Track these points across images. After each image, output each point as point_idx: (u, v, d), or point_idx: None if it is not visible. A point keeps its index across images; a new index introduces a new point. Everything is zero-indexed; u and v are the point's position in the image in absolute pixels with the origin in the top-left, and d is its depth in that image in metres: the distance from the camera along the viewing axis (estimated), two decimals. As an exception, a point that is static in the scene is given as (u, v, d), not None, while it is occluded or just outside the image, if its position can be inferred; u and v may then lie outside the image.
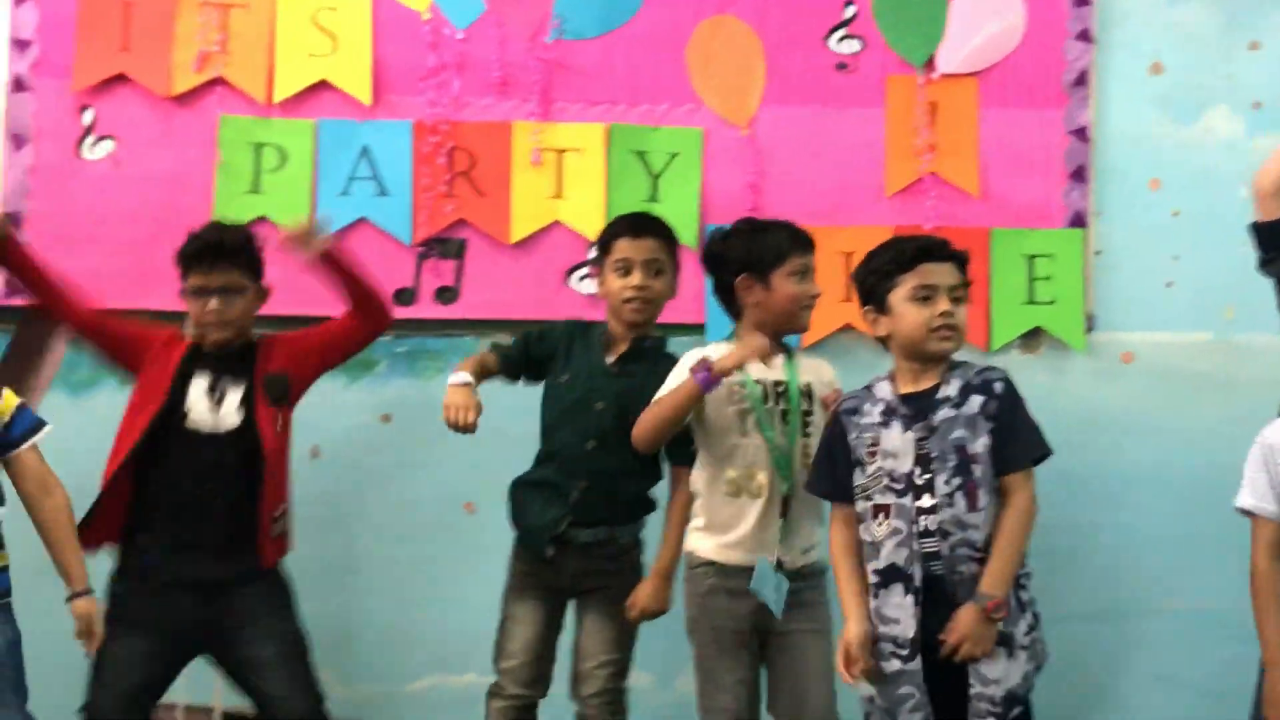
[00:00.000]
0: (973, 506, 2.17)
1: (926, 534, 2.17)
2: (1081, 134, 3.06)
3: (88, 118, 2.98)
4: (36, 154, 2.97)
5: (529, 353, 2.65)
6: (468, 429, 2.46)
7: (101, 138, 2.99)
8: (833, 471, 2.30)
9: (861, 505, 2.25)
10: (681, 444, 2.52)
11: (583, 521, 2.55)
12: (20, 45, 2.97)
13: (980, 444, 2.17)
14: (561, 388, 2.61)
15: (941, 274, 2.25)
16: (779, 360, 2.46)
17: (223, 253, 2.52)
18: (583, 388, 2.61)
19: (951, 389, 2.21)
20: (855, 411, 2.29)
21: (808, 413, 2.45)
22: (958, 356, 2.27)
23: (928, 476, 2.18)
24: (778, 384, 2.45)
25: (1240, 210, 2.89)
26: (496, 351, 2.67)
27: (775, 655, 2.45)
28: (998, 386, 2.21)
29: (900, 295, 2.25)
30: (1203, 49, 3.11)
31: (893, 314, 2.26)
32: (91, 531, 2.38)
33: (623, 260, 2.60)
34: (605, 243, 2.68)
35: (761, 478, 2.40)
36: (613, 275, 2.62)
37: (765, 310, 2.44)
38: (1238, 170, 3.01)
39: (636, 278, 2.59)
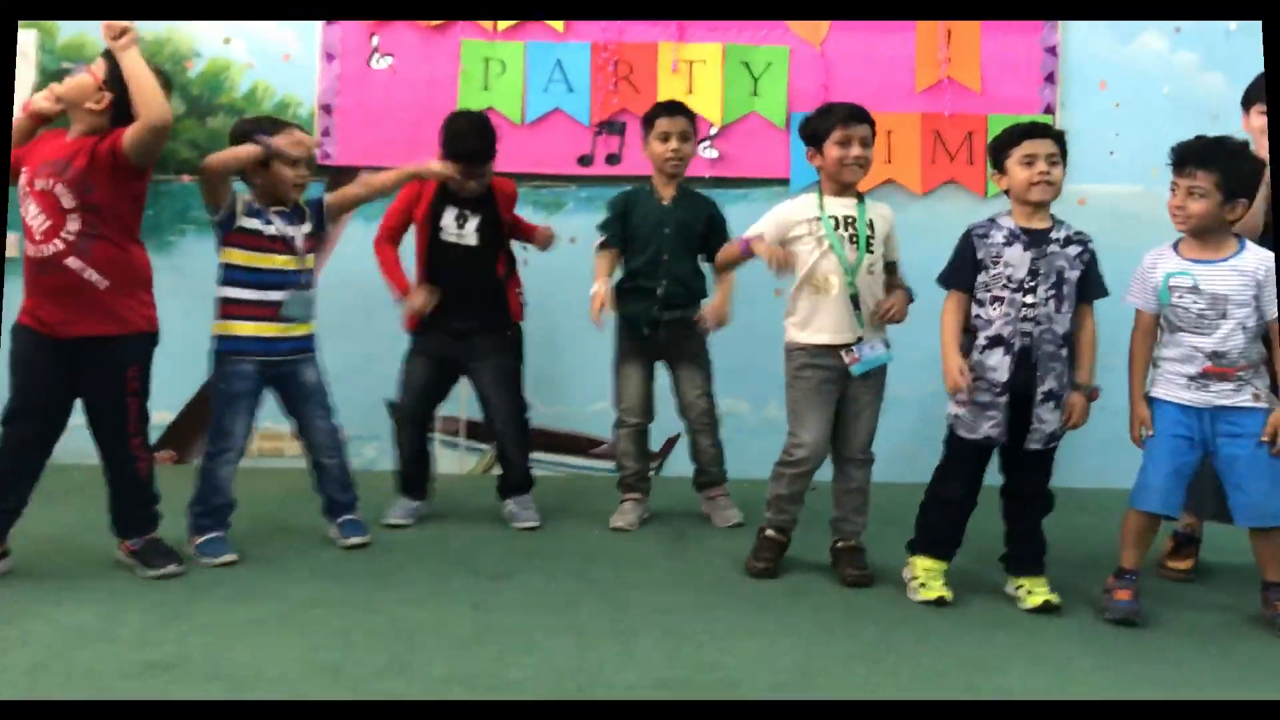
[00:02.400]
0: (1059, 310, 2.84)
1: (1024, 320, 2.84)
2: (1052, 50, 4.19)
3: (375, 42, 4.21)
4: (342, 66, 4.23)
5: (623, 225, 3.53)
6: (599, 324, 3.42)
7: (384, 55, 4.22)
8: (961, 270, 2.93)
9: (982, 295, 2.89)
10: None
11: (666, 307, 3.50)
12: (330, -8, 4.22)
13: (1073, 274, 2.85)
14: (637, 226, 3.50)
15: (1041, 146, 2.86)
16: (852, 201, 3.06)
17: (484, 154, 3.45)
18: (653, 222, 3.50)
19: (1059, 234, 2.88)
20: (985, 235, 2.90)
21: (870, 238, 3.05)
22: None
23: (1033, 284, 2.83)
24: (847, 218, 3.04)
25: (1161, 103, 4.03)
26: (609, 245, 3.51)
27: (843, 405, 3.11)
28: (1090, 245, 2.90)
29: (1013, 161, 2.88)
30: (1140, -11, 4.17)
31: (1009, 174, 2.90)
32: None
33: (663, 132, 3.51)
34: (650, 120, 3.53)
35: (834, 280, 3.02)
36: (656, 142, 3.51)
37: (824, 172, 3.07)
38: (1161, 75, 4.14)
39: (673, 144, 3.51)
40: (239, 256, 3.17)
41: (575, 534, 3.46)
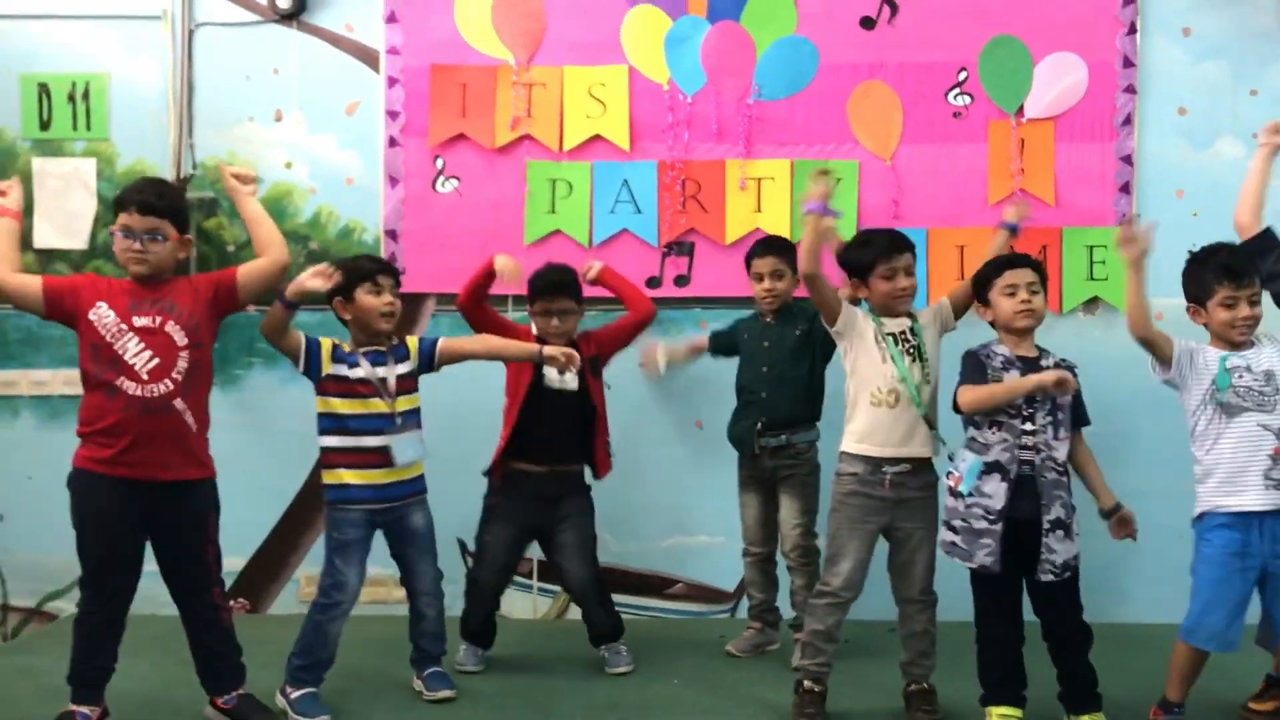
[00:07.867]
0: (1056, 436, 2.91)
1: (1024, 447, 2.89)
2: (1128, 159, 4.10)
3: (440, 164, 4.16)
4: (406, 190, 4.17)
5: (729, 338, 3.75)
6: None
7: (449, 178, 4.16)
8: (979, 377, 2.94)
9: (979, 417, 2.93)
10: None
11: (770, 428, 3.54)
12: (392, 115, 4.16)
13: (1064, 400, 2.92)
14: (744, 342, 3.67)
15: (1021, 276, 2.96)
16: (907, 321, 3.10)
17: (564, 288, 3.50)
18: (754, 337, 3.63)
19: (1048, 362, 2.95)
20: (988, 356, 2.96)
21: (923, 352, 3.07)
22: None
23: (1030, 411, 2.90)
24: (904, 333, 3.07)
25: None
26: (712, 340, 3.80)
27: (894, 541, 3.10)
28: (1076, 372, 2.94)
29: (996, 293, 2.98)
30: (1215, 96, 4.10)
31: (994, 305, 2.99)
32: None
33: (757, 273, 3.60)
34: (747, 260, 3.66)
35: (896, 392, 3.03)
36: (753, 282, 3.61)
37: (873, 302, 3.12)
38: (1239, 183, 3.96)
39: (766, 283, 3.59)
40: (329, 404, 3.16)
41: (653, 684, 3.42)
